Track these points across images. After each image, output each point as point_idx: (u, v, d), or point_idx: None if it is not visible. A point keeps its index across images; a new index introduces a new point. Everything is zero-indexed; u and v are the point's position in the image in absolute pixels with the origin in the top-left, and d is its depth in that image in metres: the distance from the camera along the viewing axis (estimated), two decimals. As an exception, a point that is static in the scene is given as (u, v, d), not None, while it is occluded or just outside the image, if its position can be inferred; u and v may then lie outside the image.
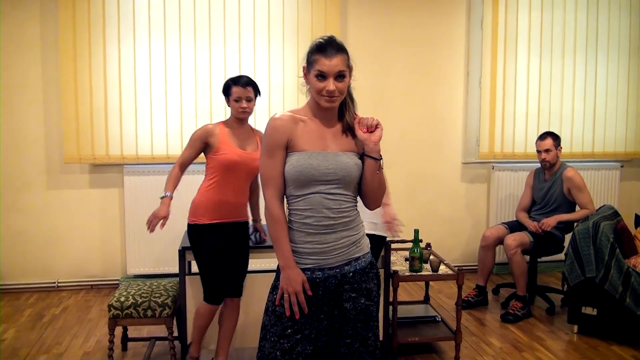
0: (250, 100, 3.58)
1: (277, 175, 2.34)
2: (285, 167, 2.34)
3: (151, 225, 3.48)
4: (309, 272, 2.36)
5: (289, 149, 2.34)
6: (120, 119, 5.34)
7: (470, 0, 5.87)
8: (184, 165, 3.63)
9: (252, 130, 3.73)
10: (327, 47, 2.28)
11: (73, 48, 5.20)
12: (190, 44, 5.38)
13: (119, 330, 4.24)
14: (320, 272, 2.35)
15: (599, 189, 6.17)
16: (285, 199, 2.41)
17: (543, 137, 5.05)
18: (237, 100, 3.56)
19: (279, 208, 2.35)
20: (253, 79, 3.65)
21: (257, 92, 3.63)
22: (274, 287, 2.41)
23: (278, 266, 2.38)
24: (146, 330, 4.55)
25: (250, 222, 3.89)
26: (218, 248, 3.54)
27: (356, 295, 2.38)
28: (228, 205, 3.56)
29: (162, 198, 3.55)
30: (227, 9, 5.40)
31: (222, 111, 5.29)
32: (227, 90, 3.61)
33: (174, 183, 3.60)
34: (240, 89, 3.54)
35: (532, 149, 5.54)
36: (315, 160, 2.31)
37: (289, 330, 2.34)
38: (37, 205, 5.42)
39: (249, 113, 3.62)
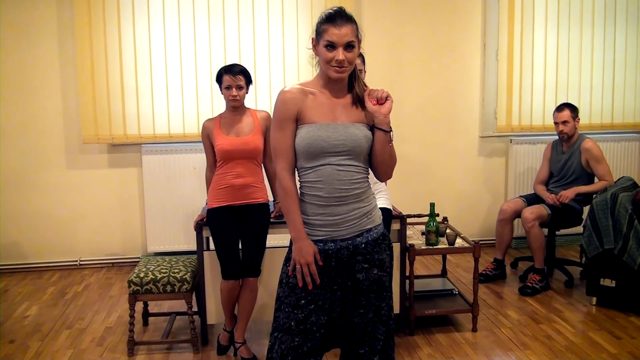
0: (241, 88, 3.67)
1: (288, 148, 2.36)
2: (295, 139, 2.35)
3: (196, 224, 3.86)
4: (321, 244, 2.38)
5: (298, 121, 2.35)
6: (137, 99, 5.37)
7: (486, -29, 5.80)
8: (209, 165, 3.84)
9: (251, 113, 3.80)
10: (337, 17, 2.29)
11: (88, 29, 5.22)
12: (204, 21, 5.38)
13: (140, 306, 4.31)
14: (332, 244, 2.37)
15: (619, 161, 6.10)
16: (296, 172, 2.43)
17: (560, 108, 5.00)
18: (228, 88, 3.66)
19: (290, 180, 2.38)
20: (246, 67, 3.74)
21: (248, 80, 3.72)
22: (287, 259, 2.44)
23: (291, 238, 2.40)
24: (167, 306, 4.62)
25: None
26: (228, 228, 3.65)
27: (369, 266, 2.40)
28: (233, 189, 3.68)
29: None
30: (240, -14, 5.40)
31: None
32: (219, 78, 3.72)
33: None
34: (230, 77, 3.64)
35: (550, 122, 5.48)
36: (325, 131, 2.32)
37: (303, 301, 2.37)
38: (57, 185, 5.49)
39: (240, 101, 3.70)
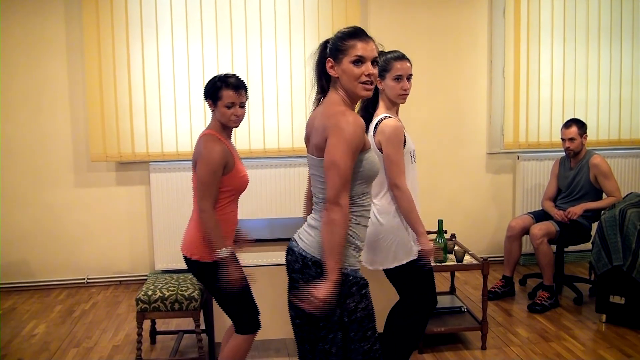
0: (243, 106, 3.08)
1: (350, 177, 2.21)
2: (364, 165, 2.25)
3: None
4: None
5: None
6: (145, 117, 5.40)
7: (492, -11, 5.83)
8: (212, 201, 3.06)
9: None
10: (360, 33, 2.27)
11: (97, 48, 5.27)
12: (212, 40, 5.42)
13: (147, 324, 4.30)
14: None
15: (627, 177, 6.08)
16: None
17: (568, 125, 5.00)
18: (230, 107, 3.03)
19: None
20: (244, 79, 3.15)
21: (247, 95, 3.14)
22: (348, 294, 2.26)
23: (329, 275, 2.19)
24: (174, 324, 4.61)
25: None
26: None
27: None
28: (234, 231, 3.27)
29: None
30: (248, 6, 5.43)
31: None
32: (215, 92, 3.04)
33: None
34: (234, 94, 3.02)
35: (557, 138, 5.48)
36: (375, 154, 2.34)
37: (369, 332, 2.34)
38: (65, 203, 5.51)
39: (241, 121, 3.13)
